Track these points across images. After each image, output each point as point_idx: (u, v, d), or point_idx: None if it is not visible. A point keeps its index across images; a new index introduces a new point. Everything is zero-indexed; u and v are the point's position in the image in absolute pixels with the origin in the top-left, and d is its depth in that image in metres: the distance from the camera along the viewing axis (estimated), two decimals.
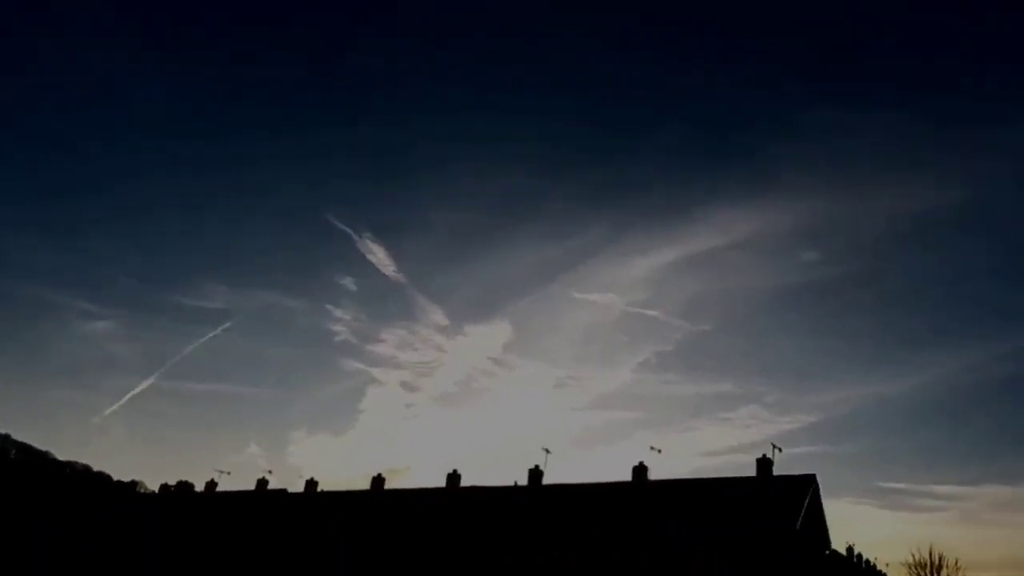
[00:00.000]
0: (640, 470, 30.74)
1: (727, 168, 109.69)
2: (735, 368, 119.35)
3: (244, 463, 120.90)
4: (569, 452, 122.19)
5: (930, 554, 54.99)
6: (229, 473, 42.59)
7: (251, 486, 42.36)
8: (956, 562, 55.56)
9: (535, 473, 33.12)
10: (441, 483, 35.76)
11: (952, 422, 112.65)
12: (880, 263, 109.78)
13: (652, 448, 31.10)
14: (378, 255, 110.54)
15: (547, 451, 33.32)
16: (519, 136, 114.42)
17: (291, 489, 41.45)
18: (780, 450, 28.95)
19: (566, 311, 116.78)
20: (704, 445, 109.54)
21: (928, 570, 53.83)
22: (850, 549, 47.56)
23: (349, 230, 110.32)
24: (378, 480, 37.85)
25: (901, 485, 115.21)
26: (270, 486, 41.90)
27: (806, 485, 27.30)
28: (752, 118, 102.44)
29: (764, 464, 28.67)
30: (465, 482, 35.56)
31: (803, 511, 25.36)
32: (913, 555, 56.83)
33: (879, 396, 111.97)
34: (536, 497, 31.78)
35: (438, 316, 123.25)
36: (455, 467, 35.45)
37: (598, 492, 30.87)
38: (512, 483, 34.44)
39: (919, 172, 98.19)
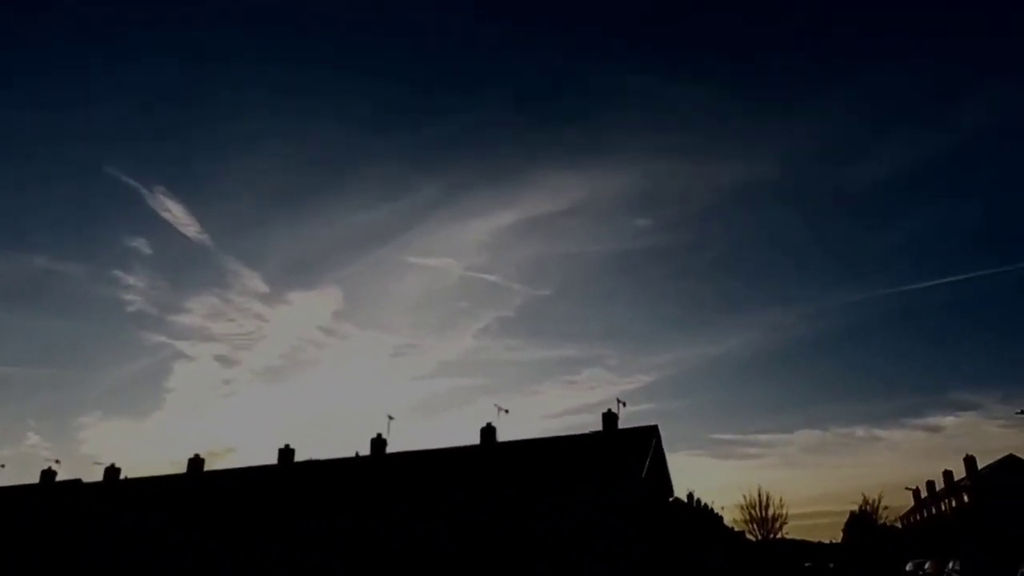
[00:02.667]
0: (488, 432, 30.21)
1: (560, 131, 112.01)
2: (577, 332, 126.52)
3: (23, 454, 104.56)
4: (413, 421, 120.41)
5: (759, 495, 62.01)
6: (3, 466, 36.47)
7: (35, 479, 36.61)
8: (780, 500, 63.50)
9: (378, 442, 31.46)
10: (273, 461, 33.06)
11: (769, 376, 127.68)
12: (707, 232, 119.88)
13: (499, 408, 30.63)
14: (175, 213, 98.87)
15: (391, 418, 31.84)
16: (341, 90, 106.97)
17: (87, 479, 36.46)
18: (624, 404, 29.83)
19: (401, 276, 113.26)
20: (550, 407, 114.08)
21: (758, 509, 60.77)
22: (690, 495, 51.84)
23: (137, 184, 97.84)
24: (196, 462, 34.11)
25: (730, 436, 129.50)
26: (59, 478, 36.38)
27: (649, 435, 28.33)
28: (582, 81, 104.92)
29: (610, 418, 29.33)
30: (300, 457, 33.20)
31: (648, 459, 26.40)
32: (745, 497, 64.00)
33: (707, 356, 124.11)
34: (381, 466, 30.29)
35: (255, 282, 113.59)
36: (287, 443, 32.98)
37: (447, 456, 30.10)
38: (354, 454, 32.71)
39: (738, 144, 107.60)
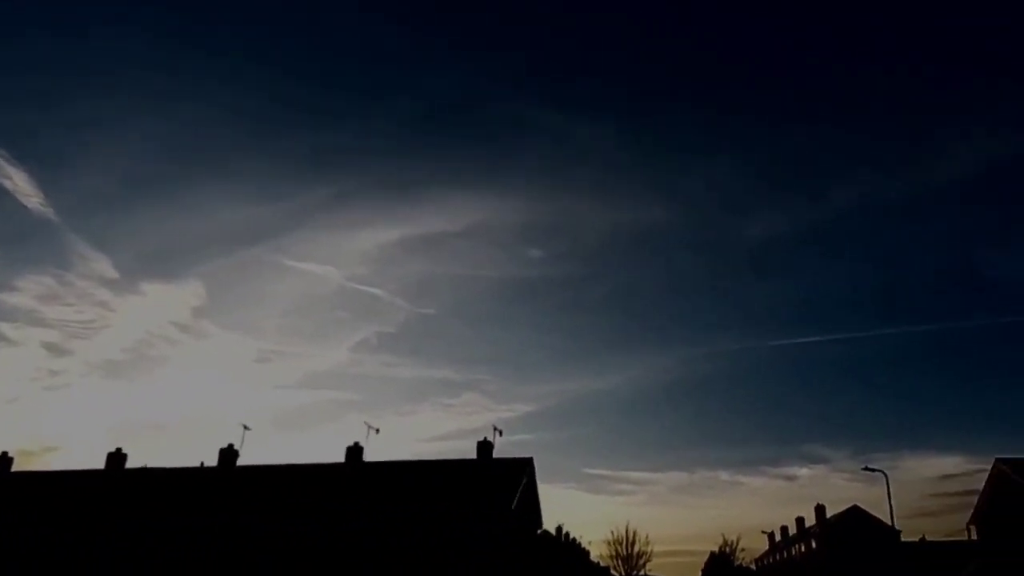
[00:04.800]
0: (354, 450, 28.67)
1: (462, 152, 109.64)
2: (459, 355, 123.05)
3: None
4: (272, 433, 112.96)
5: (626, 531, 63.68)
6: None
7: None
8: (646, 537, 65.52)
9: (228, 453, 28.96)
10: (100, 466, 29.61)
11: (646, 415, 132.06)
12: (599, 268, 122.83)
13: (369, 426, 29.21)
14: (16, 180, 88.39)
15: (246, 428, 29.47)
16: (231, 78, 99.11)
17: None
18: (500, 433, 29.37)
19: (275, 278, 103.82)
20: (426, 430, 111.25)
21: (624, 545, 62.31)
22: (559, 528, 52.19)
23: None
24: (3, 461, 29.89)
25: (604, 471, 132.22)
26: None
27: (523, 467, 28.05)
28: (488, 107, 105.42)
29: (485, 446, 28.78)
30: (134, 463, 29.99)
31: (519, 491, 26.13)
32: (612, 532, 65.57)
33: (589, 390, 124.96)
34: (228, 479, 27.87)
35: (103, 267, 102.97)
36: (120, 446, 29.73)
37: (306, 473, 28.27)
38: (199, 464, 29.96)
39: (636, 186, 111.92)
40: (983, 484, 31.29)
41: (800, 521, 64.52)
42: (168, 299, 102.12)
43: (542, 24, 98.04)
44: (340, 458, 28.82)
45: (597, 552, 66.02)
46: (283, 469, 28.86)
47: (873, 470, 35.47)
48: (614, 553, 62.30)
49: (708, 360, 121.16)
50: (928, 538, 54.93)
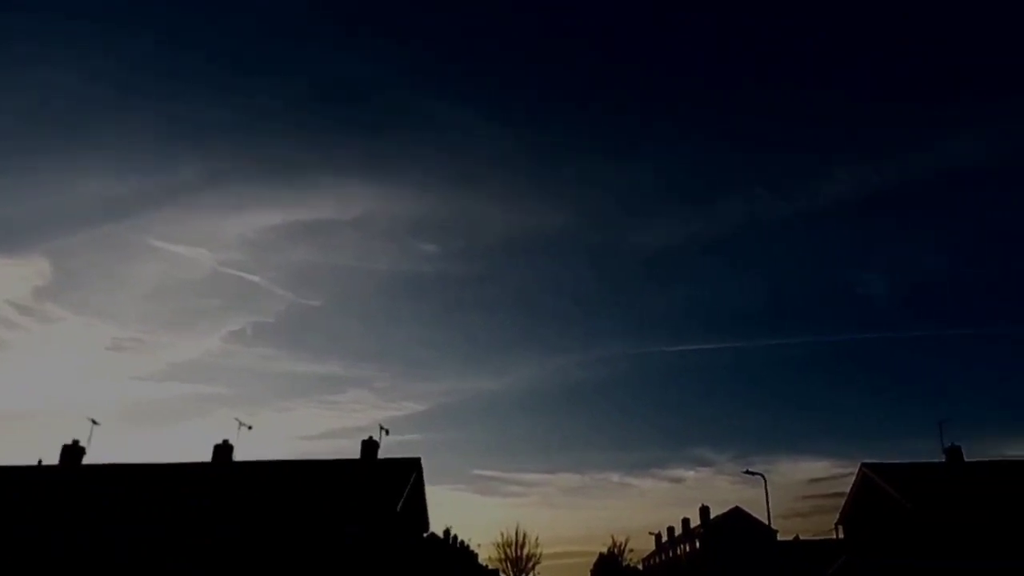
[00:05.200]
0: (223, 449, 26.40)
1: (356, 139, 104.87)
2: (346, 350, 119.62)
3: None
4: (127, 429, 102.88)
5: (516, 533, 63.51)
6: None
7: None
8: (536, 539, 65.70)
9: (73, 450, 25.87)
10: None
11: (540, 417, 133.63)
12: (497, 268, 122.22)
13: (240, 423, 26.98)
14: None
15: (95, 423, 26.41)
16: (93, 41, 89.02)
17: None
18: (388, 432, 28.06)
19: (136, 259, 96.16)
20: (306, 428, 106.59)
21: (514, 548, 62.16)
22: (447, 531, 51.15)
23: None
24: None
25: (495, 473, 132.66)
26: None
27: (410, 468, 26.84)
28: (387, 94, 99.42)
29: (370, 446, 27.35)
30: None
31: (406, 493, 25.00)
32: (502, 534, 65.28)
33: (482, 390, 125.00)
34: (74, 479, 24.84)
35: None
36: None
37: (165, 473, 25.68)
38: (37, 462, 26.58)
39: (535, 189, 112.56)
40: (850, 487, 33.07)
41: (686, 522, 66.76)
42: (6, 276, 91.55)
43: (452, 18, 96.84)
44: (207, 457, 26.43)
45: (486, 555, 65.61)
46: (138, 468, 26.11)
47: (753, 473, 36.94)
48: (503, 555, 62.06)
49: (602, 364, 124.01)
50: (801, 537, 58.27)
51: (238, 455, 26.71)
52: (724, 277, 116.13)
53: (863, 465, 31.74)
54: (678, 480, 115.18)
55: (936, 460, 32.30)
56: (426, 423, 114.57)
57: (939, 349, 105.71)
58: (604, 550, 75.51)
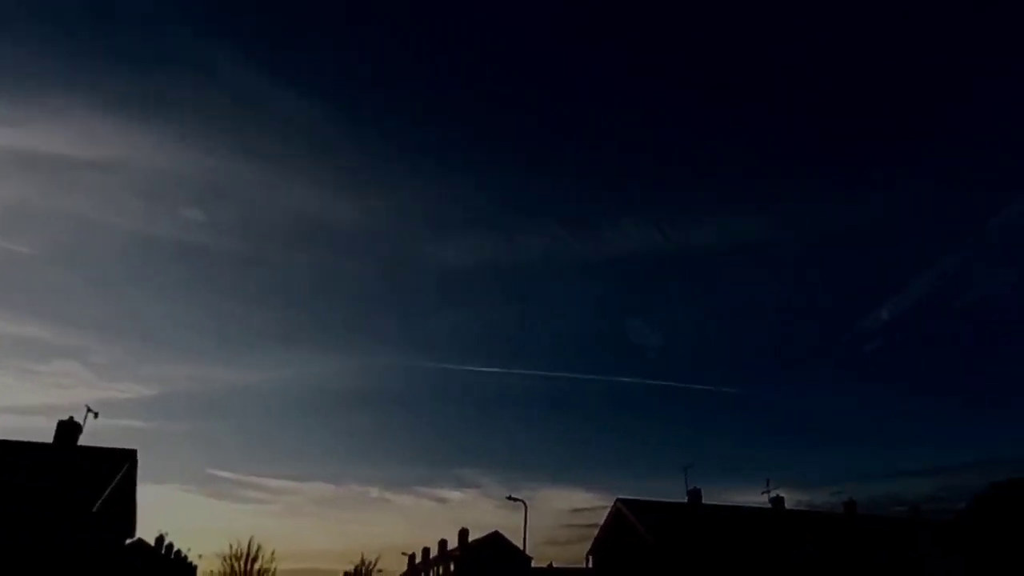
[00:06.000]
0: None
1: (119, 68, 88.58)
2: (58, 311, 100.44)
3: None
4: None
5: (248, 544, 57.43)
6: None
7: None
8: (272, 552, 59.87)
9: None
10: None
11: (294, 420, 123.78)
12: (273, 254, 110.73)
13: None
14: None
15: None
16: None
17: None
18: (97, 415, 23.05)
19: None
20: None
21: (243, 560, 55.95)
22: (160, 538, 44.86)
23: None
24: None
25: (233, 475, 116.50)
26: None
27: (120, 460, 22.09)
28: (168, 32, 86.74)
29: (68, 429, 22.10)
30: None
31: (110, 489, 20.47)
32: (231, 545, 58.56)
33: (231, 382, 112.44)
34: None
35: None
36: None
37: None
38: None
39: (337, 178, 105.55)
40: (604, 519, 34.22)
41: (443, 543, 65.84)
42: None
43: None
44: None
45: (209, 567, 58.32)
46: None
47: (515, 499, 36.94)
48: (229, 569, 55.50)
49: (377, 373, 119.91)
50: (556, 565, 60.08)
51: None
52: (513, 306, 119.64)
53: (618, 500, 32.99)
54: (442, 500, 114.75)
55: (681, 500, 34.75)
56: (156, 411, 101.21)
57: (688, 400, 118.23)
58: (351, 568, 71.72)
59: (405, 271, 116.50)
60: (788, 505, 36.62)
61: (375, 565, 68.91)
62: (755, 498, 37.53)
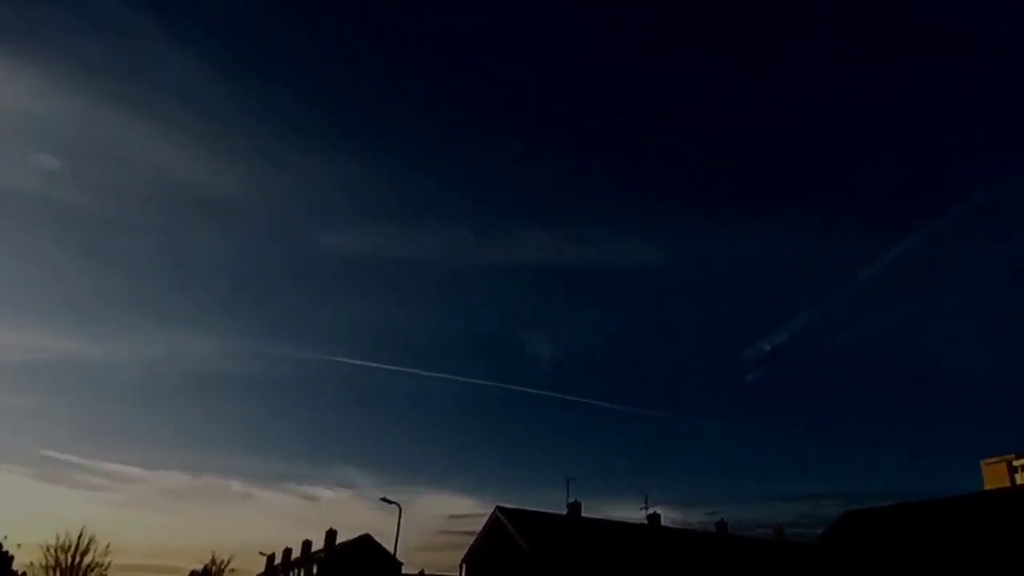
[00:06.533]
0: None
1: None
2: None
3: None
4: None
5: (79, 536, 51.61)
6: None
7: None
8: (107, 546, 53.82)
9: None
10: None
11: (152, 403, 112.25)
12: (138, 218, 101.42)
13: None
14: None
15: None
16: None
17: None
18: None
19: None
20: None
21: (71, 553, 50.02)
22: None
23: None
24: None
25: (71, 457, 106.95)
26: None
27: None
28: None
29: None
30: None
31: None
32: (58, 536, 52.22)
33: (76, 354, 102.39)
34: None
35: None
36: None
37: None
38: None
39: (227, 145, 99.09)
40: (482, 527, 33.23)
41: (307, 544, 62.39)
42: None
43: None
44: None
45: (30, 559, 51.77)
46: None
47: (390, 501, 35.14)
48: (53, 562, 49.48)
49: (250, 358, 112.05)
50: (427, 571, 58.55)
51: None
52: (407, 303, 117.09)
53: (497, 508, 32.28)
54: (313, 499, 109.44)
55: (561, 512, 34.39)
56: None
57: (576, 414, 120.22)
58: (199, 567, 66.43)
59: (293, 254, 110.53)
60: (664, 522, 37.15)
61: (227, 564, 64.21)
62: (634, 514, 37.90)
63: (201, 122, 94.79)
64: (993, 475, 41.65)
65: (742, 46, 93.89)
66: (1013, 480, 41.24)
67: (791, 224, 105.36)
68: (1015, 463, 45.57)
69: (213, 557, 65.60)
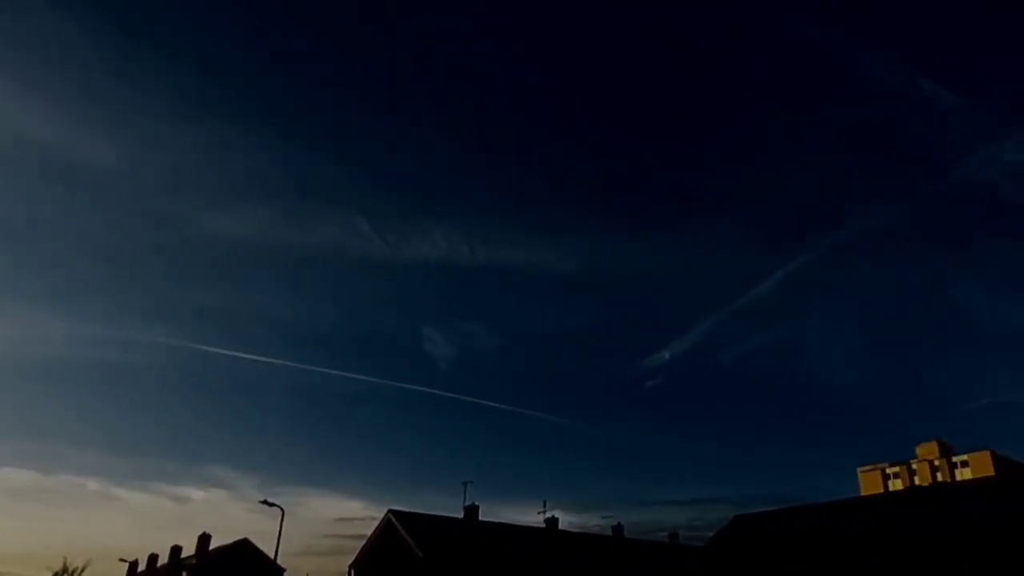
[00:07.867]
0: None
1: None
2: None
3: None
4: None
5: None
6: None
7: None
8: None
9: None
10: None
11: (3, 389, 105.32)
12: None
13: None
14: None
15: None
16: None
17: None
18: None
19: None
20: None
21: None
22: None
23: None
24: None
25: None
26: None
27: None
28: None
29: None
30: None
31: None
32: None
33: None
34: None
35: None
36: None
37: None
38: None
39: (100, 118, 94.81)
40: (373, 530, 32.08)
41: (176, 550, 58.20)
42: None
43: None
44: None
45: None
46: None
47: (271, 504, 33.27)
48: None
49: (118, 345, 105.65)
50: None
51: None
52: (296, 294, 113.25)
53: (390, 511, 31.36)
54: (184, 500, 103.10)
55: (458, 515, 33.83)
56: None
57: (476, 416, 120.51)
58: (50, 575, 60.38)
59: (172, 235, 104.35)
60: (561, 526, 37.36)
61: (81, 571, 58.77)
62: (532, 518, 37.94)
63: (74, 85, 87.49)
64: (868, 482, 44.89)
65: (657, 61, 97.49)
66: (887, 486, 44.67)
67: (693, 235, 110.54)
68: (888, 471, 49.57)
69: (65, 563, 59.78)
